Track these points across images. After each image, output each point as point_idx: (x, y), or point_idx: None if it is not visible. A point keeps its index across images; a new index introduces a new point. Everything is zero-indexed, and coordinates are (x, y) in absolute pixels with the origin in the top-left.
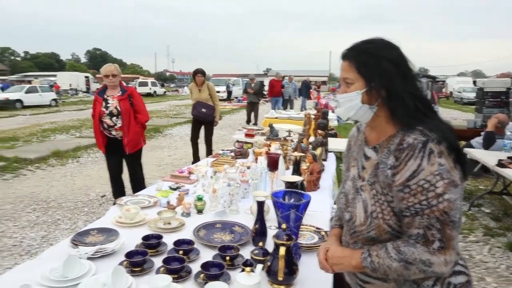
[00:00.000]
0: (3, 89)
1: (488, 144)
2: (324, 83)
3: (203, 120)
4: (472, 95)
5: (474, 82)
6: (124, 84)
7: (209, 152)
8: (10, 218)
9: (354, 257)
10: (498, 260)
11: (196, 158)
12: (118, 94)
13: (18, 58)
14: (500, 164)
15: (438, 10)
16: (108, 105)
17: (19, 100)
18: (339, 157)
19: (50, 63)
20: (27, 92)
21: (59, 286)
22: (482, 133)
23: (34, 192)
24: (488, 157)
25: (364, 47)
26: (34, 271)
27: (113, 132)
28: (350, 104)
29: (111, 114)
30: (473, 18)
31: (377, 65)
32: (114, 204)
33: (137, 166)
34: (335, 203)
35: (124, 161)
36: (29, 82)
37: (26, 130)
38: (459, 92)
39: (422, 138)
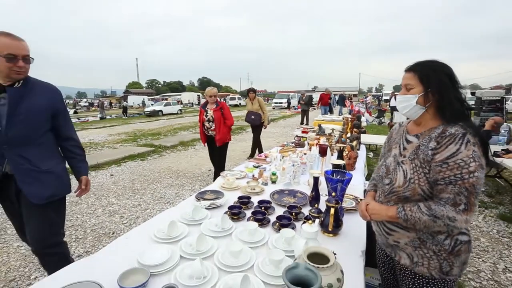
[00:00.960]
0: (152, 104)
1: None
2: (355, 95)
3: (253, 123)
4: (471, 102)
5: (472, 93)
6: (219, 99)
7: (258, 147)
8: (158, 181)
9: (390, 210)
10: (490, 226)
11: (253, 152)
12: (214, 107)
13: (159, 85)
14: (496, 154)
15: (442, 42)
16: (207, 114)
17: (160, 111)
18: (368, 148)
19: (177, 87)
20: (165, 105)
21: (190, 223)
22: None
23: (170, 166)
24: None
25: (428, 64)
26: (176, 213)
27: (210, 132)
28: (406, 104)
29: (209, 120)
30: (471, 46)
31: (436, 77)
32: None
33: (222, 155)
34: (366, 179)
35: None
36: (166, 99)
37: (164, 129)
38: None
39: (462, 130)
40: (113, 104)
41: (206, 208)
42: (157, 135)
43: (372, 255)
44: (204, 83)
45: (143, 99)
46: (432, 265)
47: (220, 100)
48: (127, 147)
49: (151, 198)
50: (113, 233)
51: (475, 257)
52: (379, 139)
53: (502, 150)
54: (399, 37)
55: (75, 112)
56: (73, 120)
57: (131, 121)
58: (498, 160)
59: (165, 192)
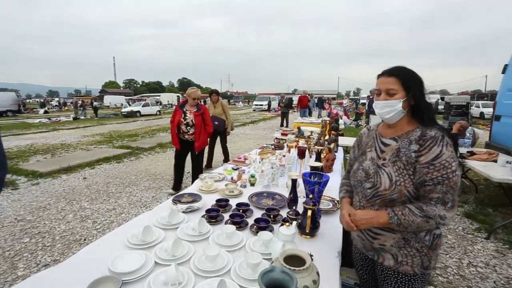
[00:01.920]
0: (130, 105)
1: None
2: (333, 99)
3: (216, 129)
4: (440, 107)
5: (442, 98)
6: (200, 102)
7: (225, 156)
8: (135, 184)
9: (381, 217)
10: (457, 223)
11: (209, 163)
12: (195, 110)
13: (137, 85)
14: (461, 156)
15: (414, 50)
16: (186, 117)
17: (138, 111)
18: (345, 150)
19: (156, 88)
20: (143, 106)
21: (166, 227)
22: None
23: (147, 169)
24: None
25: (407, 70)
26: (152, 218)
27: (186, 136)
28: (391, 108)
29: (187, 124)
30: (442, 53)
31: (415, 83)
32: (171, 195)
33: (200, 161)
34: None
35: (190, 156)
36: (144, 100)
37: (142, 130)
38: None
39: (441, 133)
40: (85, 104)
41: (183, 212)
42: (134, 137)
43: (348, 255)
44: (184, 84)
45: (128, 100)
46: (415, 262)
47: (201, 102)
48: (102, 148)
49: (126, 202)
50: (84, 240)
51: (442, 254)
52: None
53: (467, 152)
54: (376, 43)
55: (46, 112)
56: (43, 120)
57: (107, 122)
58: (463, 161)
59: (142, 196)
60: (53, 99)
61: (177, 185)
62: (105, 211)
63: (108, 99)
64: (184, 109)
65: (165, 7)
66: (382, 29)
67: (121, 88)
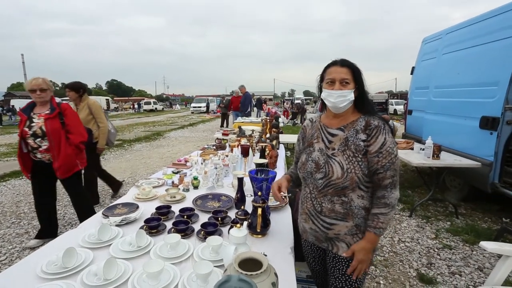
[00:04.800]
0: None
1: None
2: (270, 99)
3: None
4: None
5: None
6: (58, 100)
7: (109, 184)
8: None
9: (369, 242)
10: None
11: (94, 195)
12: (46, 112)
13: (56, 88)
14: None
15: (338, 54)
16: (33, 124)
17: None
18: (286, 147)
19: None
20: None
21: (95, 246)
22: None
23: None
24: None
25: (353, 63)
26: (76, 237)
27: (38, 155)
28: (344, 98)
29: (35, 135)
30: (365, 58)
31: (360, 75)
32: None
33: (77, 192)
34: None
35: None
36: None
37: None
38: None
39: (382, 122)
40: None
41: (117, 225)
42: None
43: (298, 249)
44: (114, 86)
45: None
46: None
47: (113, 104)
48: (9, 161)
49: None
50: None
51: None
52: (295, 138)
53: None
54: (308, 46)
55: None
56: None
57: (14, 131)
58: None
59: (66, 212)
60: None
61: (47, 231)
62: (14, 237)
63: (18, 103)
64: (31, 114)
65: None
66: (312, 35)
67: None
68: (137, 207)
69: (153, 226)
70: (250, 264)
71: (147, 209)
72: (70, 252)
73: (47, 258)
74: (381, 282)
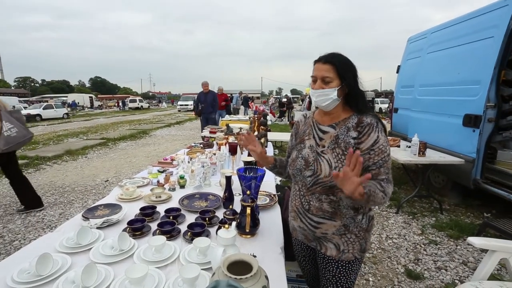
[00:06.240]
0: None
1: None
2: (258, 98)
3: None
4: None
5: None
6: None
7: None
8: None
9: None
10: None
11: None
12: None
13: (36, 84)
14: None
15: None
16: None
17: (38, 115)
18: (274, 144)
19: (62, 87)
20: (44, 108)
21: (74, 251)
22: None
23: (53, 181)
24: None
25: (342, 58)
26: (54, 241)
27: None
28: (326, 97)
29: None
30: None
31: (350, 71)
32: None
33: None
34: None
35: None
36: (46, 101)
37: (45, 136)
38: None
39: (376, 119)
40: None
41: (98, 228)
42: (32, 144)
43: (288, 249)
44: (98, 83)
45: (23, 102)
46: (356, 248)
47: (97, 102)
48: None
49: (22, 224)
50: None
51: None
52: (283, 136)
53: None
54: (296, 45)
55: None
56: None
57: None
58: None
59: (44, 214)
60: None
61: None
62: None
63: None
64: None
65: None
66: (299, 33)
67: (12, 88)
68: (120, 208)
69: (137, 228)
70: (240, 267)
71: (131, 210)
72: (44, 258)
73: (19, 266)
74: (370, 279)
